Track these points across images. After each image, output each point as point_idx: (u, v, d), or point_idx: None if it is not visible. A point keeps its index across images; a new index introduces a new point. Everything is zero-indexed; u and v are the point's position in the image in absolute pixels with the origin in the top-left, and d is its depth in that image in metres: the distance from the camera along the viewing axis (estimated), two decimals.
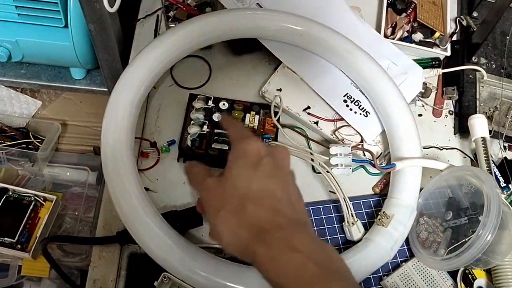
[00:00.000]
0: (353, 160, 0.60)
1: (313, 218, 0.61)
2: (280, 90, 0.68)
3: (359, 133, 0.66)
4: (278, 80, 0.69)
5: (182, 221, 0.57)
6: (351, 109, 0.67)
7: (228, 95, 0.66)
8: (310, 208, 0.61)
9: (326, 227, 0.60)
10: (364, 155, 0.65)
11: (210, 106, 0.63)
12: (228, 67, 0.72)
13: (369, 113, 0.67)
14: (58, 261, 0.71)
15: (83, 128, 0.83)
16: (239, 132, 0.49)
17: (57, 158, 0.81)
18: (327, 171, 0.59)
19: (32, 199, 0.74)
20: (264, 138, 0.63)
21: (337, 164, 0.59)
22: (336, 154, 0.60)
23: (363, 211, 0.62)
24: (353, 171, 0.60)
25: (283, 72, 0.69)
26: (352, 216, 0.57)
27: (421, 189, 0.61)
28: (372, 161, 0.59)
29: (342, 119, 0.67)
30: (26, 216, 0.72)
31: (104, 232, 0.59)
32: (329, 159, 0.59)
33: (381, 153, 0.66)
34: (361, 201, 0.63)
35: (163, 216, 0.55)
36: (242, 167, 0.45)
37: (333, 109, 0.68)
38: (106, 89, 0.78)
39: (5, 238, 0.70)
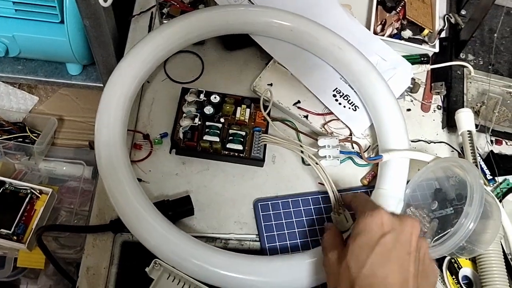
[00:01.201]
0: (341, 152, 0.61)
1: (302, 208, 0.62)
2: (271, 84, 0.69)
3: (348, 126, 0.68)
4: (269, 75, 0.70)
5: (174, 210, 0.59)
6: (340, 103, 0.69)
7: (220, 89, 0.68)
8: (300, 199, 0.63)
9: (314, 217, 0.62)
10: (353, 148, 0.66)
11: (201, 100, 0.65)
12: (220, 62, 0.73)
13: (358, 107, 0.69)
14: (54, 253, 0.72)
15: (79, 123, 0.84)
16: (364, 205, 0.50)
17: (53, 153, 0.83)
18: (316, 163, 0.60)
19: (28, 191, 0.75)
20: (255, 131, 0.64)
21: (325, 156, 0.61)
22: (324, 146, 0.61)
23: None
24: (341, 163, 0.61)
25: (274, 67, 0.71)
26: (340, 206, 0.59)
27: (409, 181, 0.63)
28: (360, 153, 0.61)
29: (332, 113, 0.69)
30: (22, 208, 0.73)
31: (98, 221, 0.60)
32: (318, 151, 0.61)
33: (370, 146, 0.68)
34: (350, 192, 0.64)
35: (155, 206, 0.56)
36: (359, 246, 0.45)
37: (322, 103, 0.69)
38: (101, 85, 0.80)
39: (1, 230, 0.72)
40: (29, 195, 0.75)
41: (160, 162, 0.64)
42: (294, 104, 0.69)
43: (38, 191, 0.75)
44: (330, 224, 0.57)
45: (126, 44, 0.73)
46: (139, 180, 0.62)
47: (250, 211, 0.62)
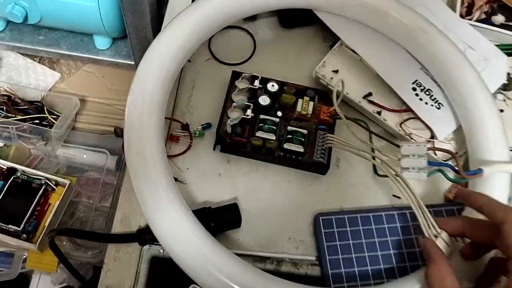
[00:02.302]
0: (429, 163, 0.49)
1: (373, 227, 0.50)
2: (336, 71, 0.57)
3: (429, 128, 0.55)
4: (335, 60, 0.58)
5: (216, 220, 0.47)
6: (421, 99, 0.56)
7: (274, 75, 0.55)
8: (370, 215, 0.51)
9: (389, 238, 0.50)
10: (435, 155, 0.54)
11: (256, 87, 0.53)
12: (275, 42, 0.61)
13: (442, 105, 0.56)
14: (68, 255, 0.62)
15: (104, 105, 0.73)
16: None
17: (74, 138, 0.72)
18: (396, 175, 0.48)
19: (43, 182, 0.65)
20: (319, 129, 0.52)
21: (409, 167, 0.48)
22: (408, 155, 0.49)
23: None
24: (428, 176, 0.49)
25: (341, 51, 0.59)
26: (433, 226, 0.46)
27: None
28: (454, 166, 0.48)
29: (410, 110, 0.56)
30: (35, 202, 0.63)
31: (122, 228, 0.49)
32: (400, 160, 0.48)
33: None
34: (431, 209, 0.52)
35: (194, 213, 0.45)
36: None
37: (399, 97, 0.57)
38: (132, 62, 0.69)
39: (10, 226, 0.61)
40: (43, 187, 0.64)
41: (200, 159, 0.53)
42: (365, 96, 0.56)
43: (53, 183, 0.65)
44: (435, 249, 0.42)
45: (164, 15, 0.61)
46: (175, 179, 0.51)
47: (309, 227, 0.50)
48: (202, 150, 0.53)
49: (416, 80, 0.57)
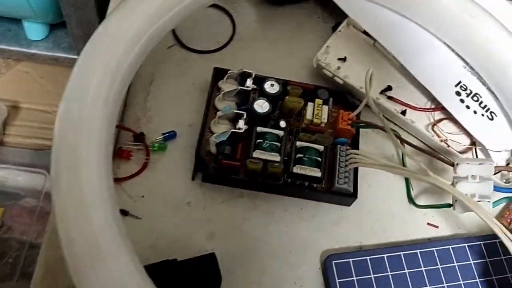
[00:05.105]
0: (495, 189, 0.36)
1: (406, 271, 0.36)
2: (344, 59, 0.43)
3: (479, 143, 0.42)
4: (341, 46, 0.44)
5: (184, 280, 0.32)
6: (468, 107, 0.42)
7: (259, 67, 0.41)
8: (402, 253, 0.36)
9: (462, 282, 0.36)
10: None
11: (249, 88, 0.38)
12: (260, 23, 0.47)
13: (495, 115, 0.42)
14: None
15: (42, 113, 0.58)
16: None
17: (2, 156, 0.56)
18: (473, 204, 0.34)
19: None
20: (337, 143, 0.38)
21: (467, 194, 0.35)
22: (466, 177, 0.35)
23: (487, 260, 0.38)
24: (494, 206, 0.36)
25: (349, 33, 0.45)
26: None
27: None
28: None
29: (441, 108, 0.43)
30: None
31: None
32: (453, 183, 0.35)
33: None
34: (481, 242, 0.38)
35: (148, 270, 0.30)
36: None
37: (425, 92, 0.43)
38: (76, 56, 0.54)
39: None
40: None
41: (161, 182, 0.38)
42: (383, 91, 0.43)
43: None
44: None
45: None
46: (124, 213, 0.35)
47: (317, 274, 0.36)
48: (163, 170, 0.38)
49: (460, 82, 0.43)
